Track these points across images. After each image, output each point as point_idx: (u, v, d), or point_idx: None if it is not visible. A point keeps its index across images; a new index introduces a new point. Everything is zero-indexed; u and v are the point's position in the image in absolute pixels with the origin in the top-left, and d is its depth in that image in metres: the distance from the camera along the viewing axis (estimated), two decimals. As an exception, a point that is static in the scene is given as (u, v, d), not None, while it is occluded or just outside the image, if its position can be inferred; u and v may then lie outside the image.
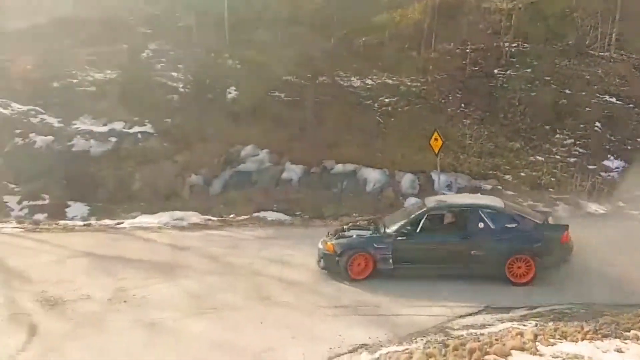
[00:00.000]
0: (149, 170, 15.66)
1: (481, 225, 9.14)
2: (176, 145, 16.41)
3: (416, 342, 7.02)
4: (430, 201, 9.99)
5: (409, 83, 20.16)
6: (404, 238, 9.17)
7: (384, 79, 20.30)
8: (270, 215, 13.80)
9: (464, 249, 9.03)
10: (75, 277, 9.51)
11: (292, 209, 14.41)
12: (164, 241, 11.63)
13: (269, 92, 18.70)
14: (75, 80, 18.91)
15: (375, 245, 9.21)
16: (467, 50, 21.76)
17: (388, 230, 9.39)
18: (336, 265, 9.29)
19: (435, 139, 13.88)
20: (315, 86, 18.44)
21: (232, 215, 13.72)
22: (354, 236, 9.56)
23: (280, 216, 13.83)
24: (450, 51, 22.08)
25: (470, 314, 7.94)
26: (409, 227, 9.26)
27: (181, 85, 19.40)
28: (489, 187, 15.42)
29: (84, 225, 13.24)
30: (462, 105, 19.45)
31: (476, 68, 21.32)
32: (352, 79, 20.24)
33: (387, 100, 19.31)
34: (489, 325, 7.56)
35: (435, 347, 6.69)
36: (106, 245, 11.30)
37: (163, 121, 17.29)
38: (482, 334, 7.14)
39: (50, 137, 16.05)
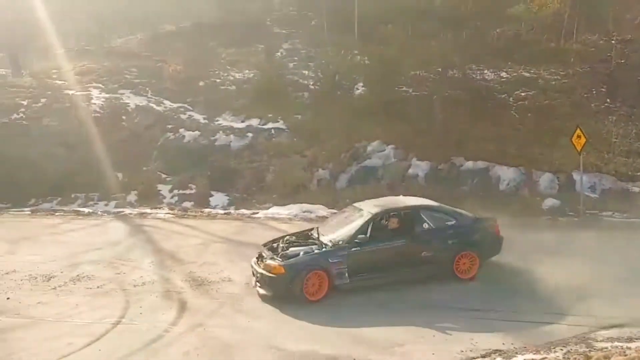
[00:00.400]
0: (280, 164, 16.53)
1: (425, 225, 8.99)
2: (305, 141, 17.10)
3: (555, 351, 6.66)
4: (367, 206, 9.28)
5: (547, 76, 18.90)
6: (358, 248, 8.52)
7: (520, 71, 19.24)
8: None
9: (415, 251, 8.79)
10: (218, 260, 10.40)
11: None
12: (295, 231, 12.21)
13: (397, 87, 18.69)
14: (218, 80, 20.54)
15: (330, 260, 8.38)
16: (613, 42, 19.84)
17: (334, 242, 8.57)
18: (286, 289, 8.22)
19: (578, 137, 12.96)
20: (445, 80, 18.08)
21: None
22: (301, 254, 8.45)
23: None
24: (593, 42, 20.28)
25: (615, 326, 7.34)
26: (361, 236, 8.58)
27: (311, 83, 20.15)
28: (637, 189, 14.04)
29: (224, 213, 14.47)
30: (608, 100, 17.77)
31: (623, 61, 19.33)
32: (485, 72, 19.46)
33: (523, 94, 18.28)
34: (636, 339, 6.94)
35: (576, 359, 6.31)
36: (244, 233, 12.22)
37: (294, 117, 18.14)
38: (628, 348, 6.59)
39: (197, 132, 17.63)
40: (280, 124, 17.91)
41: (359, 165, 16.25)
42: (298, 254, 8.48)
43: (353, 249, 8.50)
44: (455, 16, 16.96)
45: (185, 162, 16.57)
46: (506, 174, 14.89)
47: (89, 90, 19.30)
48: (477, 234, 9.16)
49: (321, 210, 14.18)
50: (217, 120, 18.18)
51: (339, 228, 9.02)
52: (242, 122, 18.10)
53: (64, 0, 23.29)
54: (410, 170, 15.72)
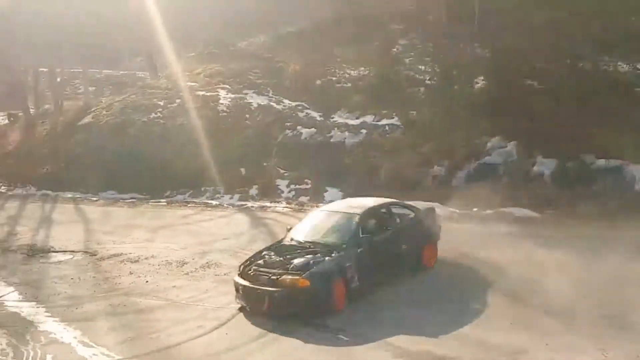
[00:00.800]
0: (394, 160, 16.48)
1: (398, 221, 9.39)
2: (421, 137, 16.86)
3: None
4: (345, 208, 9.31)
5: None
6: (361, 249, 8.45)
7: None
8: (518, 211, 13.24)
9: (398, 246, 9.04)
10: None
11: (542, 205, 13.61)
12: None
13: (521, 80, 17.76)
14: (334, 78, 21.00)
15: (346, 264, 8.12)
16: None
17: (338, 246, 8.37)
18: (312, 302, 7.63)
19: None
20: (574, 73, 16.83)
21: (475, 209, 13.59)
22: (311, 262, 7.97)
23: (529, 212, 13.17)
24: None
25: None
26: (363, 236, 8.62)
27: (428, 78, 19.82)
28: None
29: (339, 209, 14.76)
30: None
31: None
32: (619, 63, 17.79)
33: (663, 87, 16.46)
34: None
35: None
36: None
37: (409, 113, 17.99)
38: None
39: (313, 130, 18.21)
40: (394, 120, 17.85)
41: (478, 162, 15.65)
42: (309, 263, 7.99)
43: (359, 250, 8.42)
44: (585, 5, 15.74)
45: (301, 158, 17.21)
46: (641, 174, 13.57)
47: (217, 91, 20.77)
48: (432, 224, 9.83)
49: (436, 208, 13.91)
50: (333, 118, 18.61)
51: (326, 232, 8.84)
52: (357, 118, 18.33)
53: (193, 7, 25.27)
54: (535, 168, 14.86)
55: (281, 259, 8.32)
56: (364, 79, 20.54)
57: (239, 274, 8.37)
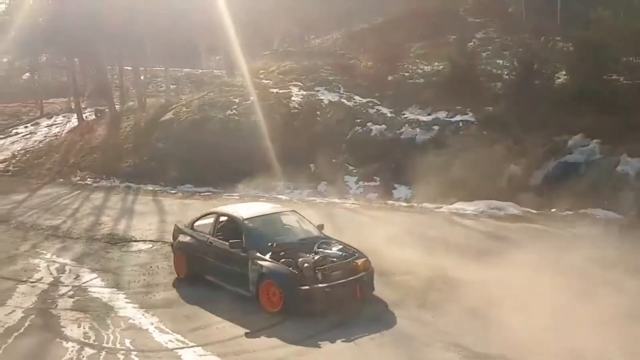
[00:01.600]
0: (467, 158, 15.98)
1: None
2: (497, 134, 16.25)
3: None
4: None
5: None
6: None
7: None
8: (599, 213, 12.49)
9: None
10: (403, 251, 10.29)
11: (626, 207, 12.75)
12: (480, 229, 11.84)
13: (605, 75, 16.68)
14: (406, 74, 20.73)
15: None
16: None
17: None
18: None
19: None
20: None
21: (553, 210, 12.96)
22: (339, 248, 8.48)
23: (611, 214, 12.39)
24: None
25: None
26: None
27: (505, 73, 19.08)
28: None
29: (407, 206, 14.61)
30: None
31: None
32: None
33: None
34: None
35: None
36: (427, 226, 12.21)
37: (484, 109, 17.39)
38: None
39: (383, 126, 18.04)
40: (469, 117, 17.34)
41: (558, 161, 14.90)
42: (343, 248, 8.51)
43: None
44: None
45: (371, 155, 17.13)
46: None
47: (289, 88, 21.10)
48: None
49: (512, 208, 13.43)
50: (404, 114, 18.34)
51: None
52: (429, 115, 17.97)
53: (269, 6, 25.76)
54: (619, 168, 13.93)
55: (323, 250, 8.43)
56: (437, 74, 20.12)
57: (310, 281, 7.83)
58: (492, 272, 9.12)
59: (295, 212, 9.69)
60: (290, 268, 7.91)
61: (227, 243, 8.61)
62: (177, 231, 10.04)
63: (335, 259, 8.20)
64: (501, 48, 20.46)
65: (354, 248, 8.58)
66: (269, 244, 8.37)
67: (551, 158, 15.08)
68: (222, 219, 9.38)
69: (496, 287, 8.31)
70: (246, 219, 8.96)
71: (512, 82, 18.35)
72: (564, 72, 17.67)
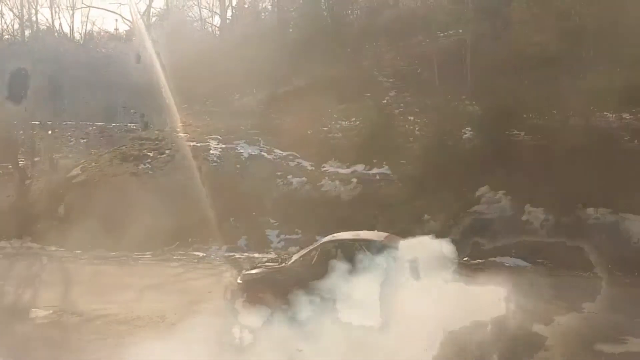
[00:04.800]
0: (388, 213, 16.29)
1: None
2: (413, 189, 16.81)
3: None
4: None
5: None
6: None
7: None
8: (508, 261, 13.07)
9: None
10: None
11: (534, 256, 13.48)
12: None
13: (510, 134, 17.99)
14: (325, 128, 21.19)
15: None
16: None
17: None
18: None
19: None
20: (565, 127, 17.06)
21: (465, 258, 13.39)
22: None
23: (519, 262, 13.00)
24: None
25: None
26: None
27: (417, 129, 20.03)
28: None
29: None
30: None
31: None
32: (609, 116, 18.01)
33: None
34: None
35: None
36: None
37: (400, 164, 18.04)
38: None
39: (304, 179, 18.19)
40: (385, 170, 17.94)
41: (469, 212, 15.60)
42: None
43: None
44: (575, 60, 16.21)
45: (292, 208, 17.04)
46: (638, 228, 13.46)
47: (207, 142, 20.78)
48: None
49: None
50: (324, 167, 18.65)
51: None
52: (348, 168, 18.39)
53: (191, 64, 25.76)
54: (526, 219, 14.82)
55: None
56: (354, 129, 20.72)
57: None
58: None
59: None
60: None
61: None
62: None
63: None
64: (413, 106, 21.54)
65: None
66: None
67: (465, 211, 15.69)
68: None
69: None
70: None
71: (425, 139, 19.26)
72: (469, 129, 18.80)
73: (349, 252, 9.76)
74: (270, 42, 25.45)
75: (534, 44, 17.17)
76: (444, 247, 9.47)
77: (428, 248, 9.52)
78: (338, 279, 8.87)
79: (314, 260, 10.01)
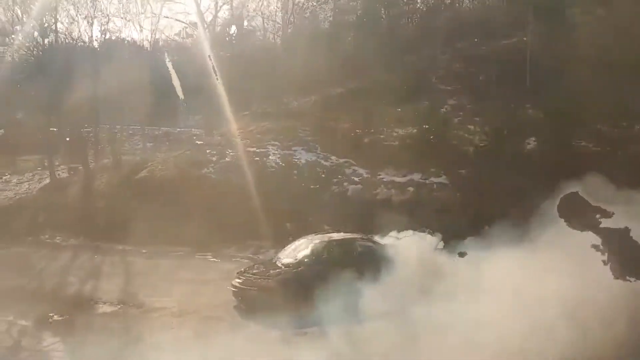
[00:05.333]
0: (445, 221, 16.09)
1: None
2: (469, 197, 16.56)
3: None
4: None
5: None
6: None
7: None
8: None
9: None
10: None
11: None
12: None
13: (575, 142, 17.35)
14: (382, 136, 21.22)
15: None
16: None
17: None
18: None
19: None
20: (633, 134, 16.31)
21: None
22: None
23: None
24: None
25: None
26: None
27: (477, 138, 19.68)
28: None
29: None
30: None
31: None
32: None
33: None
34: None
35: None
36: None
37: (458, 172, 17.80)
38: None
39: (359, 186, 18.29)
40: (442, 179, 17.73)
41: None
42: None
43: None
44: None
45: (347, 215, 17.14)
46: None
47: (266, 148, 21.31)
48: None
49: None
50: (379, 175, 18.67)
51: None
52: (404, 176, 18.32)
53: (248, 69, 26.46)
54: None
55: None
56: (411, 137, 20.60)
57: None
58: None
59: None
60: None
61: None
62: None
63: None
64: (472, 114, 21.18)
65: None
66: None
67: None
68: None
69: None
70: None
71: (483, 147, 18.89)
72: (534, 139, 18.27)
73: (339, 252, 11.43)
74: (328, 48, 25.75)
75: (596, 47, 16.50)
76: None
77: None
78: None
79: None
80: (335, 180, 18.94)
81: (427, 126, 19.91)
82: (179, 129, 33.14)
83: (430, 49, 25.92)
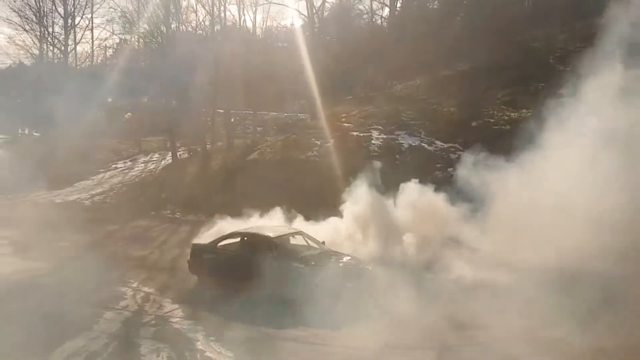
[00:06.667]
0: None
1: None
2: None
3: None
4: None
5: None
6: None
7: None
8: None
9: None
10: None
11: None
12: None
13: None
14: (491, 120, 20.25)
15: None
16: None
17: None
18: None
19: None
20: None
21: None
22: None
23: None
24: None
25: None
26: None
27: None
28: None
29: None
30: None
31: None
32: None
33: None
34: None
35: None
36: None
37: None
38: None
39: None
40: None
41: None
42: None
43: None
44: None
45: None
46: None
47: (369, 132, 21.31)
48: None
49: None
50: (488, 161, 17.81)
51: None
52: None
53: (352, 53, 26.46)
54: None
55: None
56: (525, 120, 19.43)
57: None
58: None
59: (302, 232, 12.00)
60: None
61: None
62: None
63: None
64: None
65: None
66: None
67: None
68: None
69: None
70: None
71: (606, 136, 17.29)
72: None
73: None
74: (436, 28, 24.99)
75: None
76: None
77: None
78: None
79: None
80: (438, 165, 18.44)
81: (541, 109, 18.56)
82: (285, 114, 34.25)
83: (545, 28, 24.16)
